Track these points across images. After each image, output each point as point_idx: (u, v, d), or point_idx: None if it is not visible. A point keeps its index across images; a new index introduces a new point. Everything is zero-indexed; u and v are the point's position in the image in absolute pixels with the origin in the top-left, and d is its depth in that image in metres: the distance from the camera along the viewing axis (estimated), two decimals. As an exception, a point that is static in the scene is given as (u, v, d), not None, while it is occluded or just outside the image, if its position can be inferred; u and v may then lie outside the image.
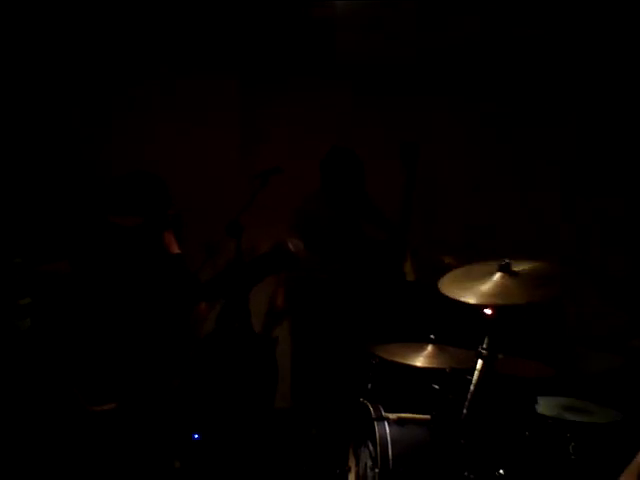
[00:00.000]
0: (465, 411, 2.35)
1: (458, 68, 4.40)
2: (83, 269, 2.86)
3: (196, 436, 3.45)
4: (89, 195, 3.84)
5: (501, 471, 2.43)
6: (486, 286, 2.34)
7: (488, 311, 2.46)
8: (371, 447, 2.72)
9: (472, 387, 2.36)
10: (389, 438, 2.65)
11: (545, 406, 2.73)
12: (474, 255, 2.86)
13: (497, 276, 2.38)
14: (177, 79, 4.44)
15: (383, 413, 2.74)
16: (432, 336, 2.97)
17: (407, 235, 3.78)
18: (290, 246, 2.85)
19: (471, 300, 2.30)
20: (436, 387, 2.74)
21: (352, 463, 3.02)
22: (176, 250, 2.94)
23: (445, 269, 2.70)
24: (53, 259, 2.99)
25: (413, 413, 2.75)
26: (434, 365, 2.84)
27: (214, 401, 3.44)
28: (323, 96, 4.49)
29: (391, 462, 2.60)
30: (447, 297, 2.41)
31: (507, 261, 2.39)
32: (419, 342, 3.00)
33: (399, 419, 2.71)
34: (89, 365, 2.72)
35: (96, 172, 4.08)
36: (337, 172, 3.90)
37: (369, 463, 2.75)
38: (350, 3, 3.76)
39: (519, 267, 2.39)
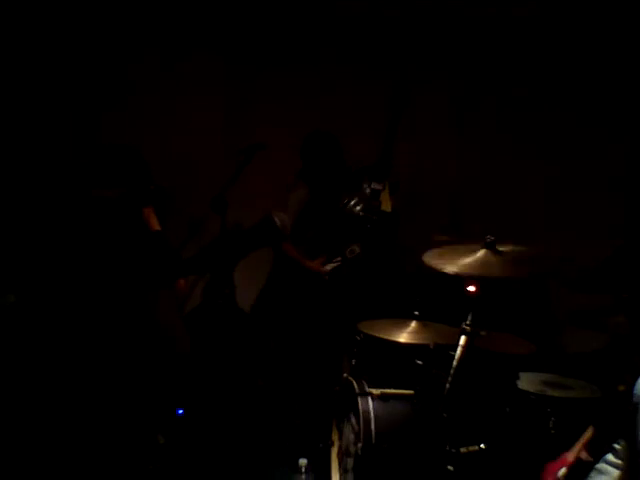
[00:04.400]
0: (448, 386, 2.37)
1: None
2: (65, 250, 2.85)
3: (180, 411, 3.45)
4: (71, 171, 3.79)
5: (482, 445, 2.47)
6: (469, 259, 2.44)
7: (472, 288, 2.48)
8: (354, 422, 2.74)
9: (455, 363, 2.38)
10: (372, 413, 2.66)
11: (527, 382, 2.77)
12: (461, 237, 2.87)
13: (481, 252, 2.47)
14: (163, 58, 4.39)
15: (367, 388, 2.76)
16: (416, 312, 2.99)
17: (391, 162, 3.78)
18: (277, 220, 2.84)
19: (451, 270, 2.39)
20: (419, 363, 2.76)
21: (335, 438, 3.04)
22: (156, 227, 2.92)
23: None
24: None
25: (397, 388, 2.77)
26: (418, 341, 2.85)
27: (198, 376, 3.45)
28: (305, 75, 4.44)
29: (374, 437, 2.62)
30: (432, 275, 2.45)
31: (492, 239, 2.45)
32: (403, 318, 3.01)
33: (382, 394, 2.72)
34: (72, 339, 2.72)
35: (81, 151, 4.02)
36: (315, 156, 3.89)
37: (352, 438, 2.77)
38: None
39: (504, 248, 2.49)
